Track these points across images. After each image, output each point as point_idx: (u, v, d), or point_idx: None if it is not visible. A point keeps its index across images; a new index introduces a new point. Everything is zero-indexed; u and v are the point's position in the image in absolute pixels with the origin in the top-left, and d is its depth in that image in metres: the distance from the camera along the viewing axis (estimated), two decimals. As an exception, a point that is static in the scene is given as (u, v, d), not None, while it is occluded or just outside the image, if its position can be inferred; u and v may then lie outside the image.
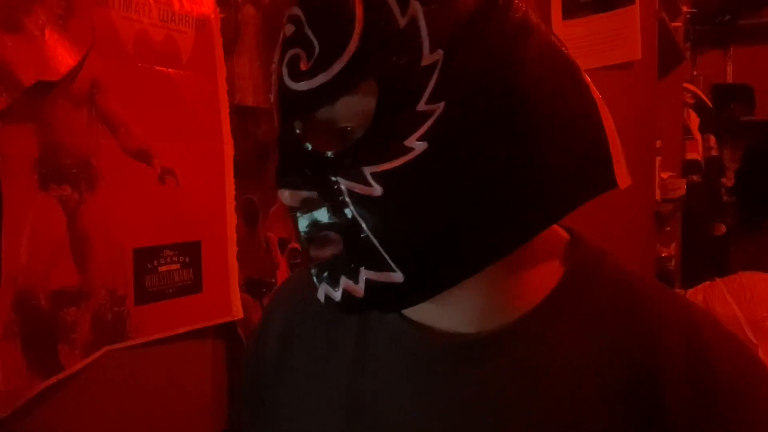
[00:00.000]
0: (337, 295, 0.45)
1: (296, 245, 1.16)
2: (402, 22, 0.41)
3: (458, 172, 0.42)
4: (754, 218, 1.38)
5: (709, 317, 0.49)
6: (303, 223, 0.45)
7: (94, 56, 0.84)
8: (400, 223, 0.43)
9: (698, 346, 0.45)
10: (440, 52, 0.41)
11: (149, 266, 0.92)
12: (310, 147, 0.44)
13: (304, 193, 0.45)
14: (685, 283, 2.05)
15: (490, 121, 0.42)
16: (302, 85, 0.43)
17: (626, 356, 0.46)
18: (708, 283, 1.33)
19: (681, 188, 1.91)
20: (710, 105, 2.76)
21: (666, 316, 0.47)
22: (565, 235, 0.53)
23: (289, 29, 0.45)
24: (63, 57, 0.79)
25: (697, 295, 1.31)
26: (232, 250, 1.05)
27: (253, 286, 1.10)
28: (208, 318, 1.01)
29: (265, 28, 1.12)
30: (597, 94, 0.48)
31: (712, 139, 2.95)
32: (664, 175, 1.86)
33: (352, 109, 0.43)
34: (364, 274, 0.44)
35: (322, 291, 0.46)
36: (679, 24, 2.07)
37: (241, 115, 1.08)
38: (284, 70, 0.45)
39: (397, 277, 0.43)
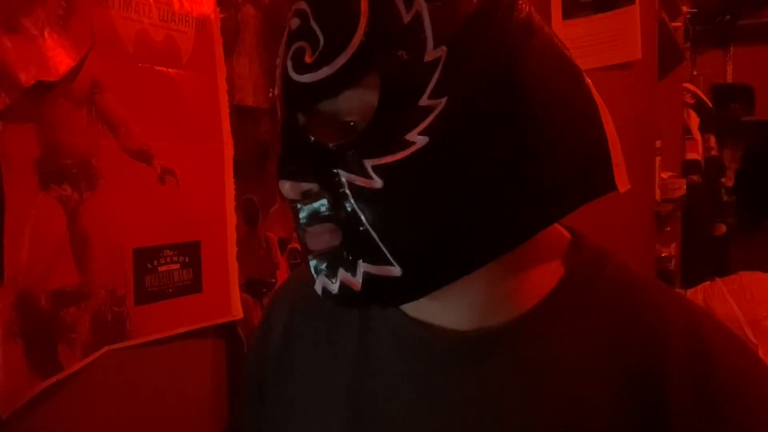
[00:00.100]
0: (335, 287, 0.45)
1: (296, 245, 1.16)
2: (406, 18, 0.42)
3: (458, 167, 0.42)
4: (754, 218, 1.38)
5: (710, 317, 0.49)
6: (303, 214, 0.46)
7: (94, 56, 0.83)
8: (399, 216, 0.43)
9: (699, 346, 0.45)
10: (443, 48, 0.42)
11: (149, 266, 0.92)
12: (312, 139, 0.44)
13: (305, 185, 0.45)
14: (685, 283, 2.05)
15: (491, 118, 0.42)
16: (306, 78, 0.44)
17: (628, 356, 0.46)
18: (708, 283, 1.33)
19: (681, 188, 1.92)
20: (710, 105, 2.76)
21: (668, 316, 0.47)
22: (567, 234, 0.53)
23: (295, 23, 0.45)
24: (63, 57, 0.79)
25: (697, 295, 1.31)
26: (232, 250, 1.05)
27: (253, 286, 1.10)
28: (208, 318, 1.01)
29: (265, 28, 1.12)
30: (599, 98, 0.48)
31: (712, 139, 2.95)
32: (664, 175, 1.86)
33: (355, 103, 0.43)
34: (362, 267, 0.44)
35: (320, 283, 0.46)
36: (679, 24, 2.07)
37: (241, 115, 1.07)
38: (289, 63, 0.45)
39: (395, 271, 0.44)
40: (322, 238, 0.45)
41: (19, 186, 0.76)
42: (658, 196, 1.67)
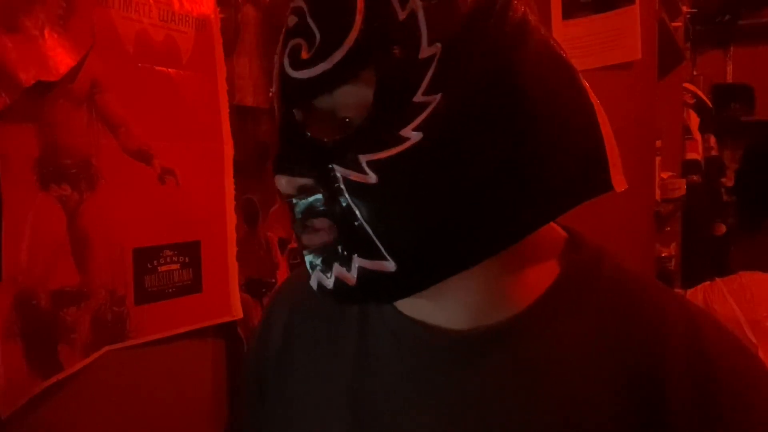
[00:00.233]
0: (330, 282, 0.46)
1: (296, 245, 1.16)
2: (402, 15, 0.42)
3: (452, 163, 0.42)
4: (754, 218, 1.37)
5: (709, 317, 0.49)
6: (298, 209, 0.46)
7: (94, 56, 0.84)
8: (393, 211, 0.43)
9: (699, 346, 0.45)
10: (438, 45, 0.42)
11: (149, 266, 0.92)
12: (308, 135, 0.45)
13: (301, 180, 0.45)
14: (685, 283, 2.05)
15: (485, 116, 0.43)
16: (303, 74, 0.44)
17: (628, 356, 0.46)
18: (708, 283, 1.32)
19: (681, 188, 1.92)
20: (710, 105, 2.76)
21: (666, 315, 0.47)
22: (563, 233, 0.53)
23: (292, 20, 0.46)
24: (63, 57, 0.79)
25: (697, 295, 1.31)
26: (232, 250, 1.05)
27: (253, 286, 1.10)
28: (208, 318, 1.01)
29: (265, 28, 1.12)
30: (595, 99, 0.48)
31: (712, 139, 2.95)
32: (664, 175, 1.86)
33: (351, 99, 0.44)
34: (357, 261, 0.44)
35: (315, 278, 0.47)
36: (679, 24, 2.07)
37: (241, 115, 1.08)
38: (285, 60, 0.46)
39: (390, 266, 0.44)
40: (318, 233, 0.45)
41: (19, 186, 0.76)
42: (658, 196, 1.67)
